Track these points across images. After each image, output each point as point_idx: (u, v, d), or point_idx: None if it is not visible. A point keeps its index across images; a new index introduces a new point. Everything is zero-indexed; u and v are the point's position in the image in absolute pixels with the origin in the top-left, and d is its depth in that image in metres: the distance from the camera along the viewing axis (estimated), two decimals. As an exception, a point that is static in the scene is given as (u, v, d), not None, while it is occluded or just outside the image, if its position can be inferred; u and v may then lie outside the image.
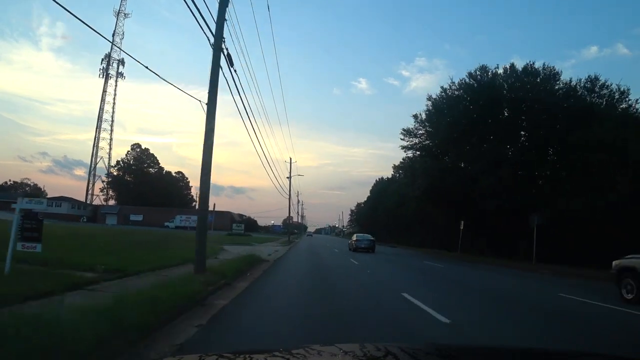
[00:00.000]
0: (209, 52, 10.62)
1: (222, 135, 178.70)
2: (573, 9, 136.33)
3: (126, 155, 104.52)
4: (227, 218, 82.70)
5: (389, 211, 62.39)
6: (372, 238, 33.78)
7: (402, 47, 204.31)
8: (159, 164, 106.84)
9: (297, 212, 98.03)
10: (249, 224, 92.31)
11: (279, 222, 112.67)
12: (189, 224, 76.70)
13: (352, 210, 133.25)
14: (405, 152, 37.00)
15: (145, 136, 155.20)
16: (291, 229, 78.82)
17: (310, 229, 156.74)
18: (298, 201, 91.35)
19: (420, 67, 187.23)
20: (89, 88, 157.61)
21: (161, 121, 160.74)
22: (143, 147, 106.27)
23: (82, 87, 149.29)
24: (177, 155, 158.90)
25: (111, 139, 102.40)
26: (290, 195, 50.63)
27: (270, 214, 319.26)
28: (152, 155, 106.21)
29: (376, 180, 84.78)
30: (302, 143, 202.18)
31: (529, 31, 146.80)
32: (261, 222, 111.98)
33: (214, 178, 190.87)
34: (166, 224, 76.01)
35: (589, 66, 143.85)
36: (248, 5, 39.21)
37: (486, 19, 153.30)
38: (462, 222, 31.73)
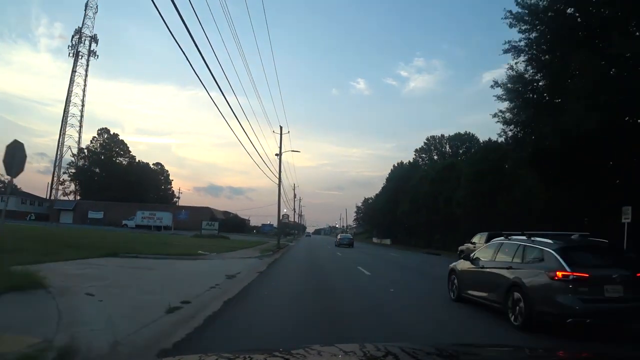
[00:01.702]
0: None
1: (221, 136, 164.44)
2: None
3: (92, 141, 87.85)
4: (205, 215, 66.29)
5: (417, 202, 45.94)
6: (351, 237, 47.58)
7: (401, 48, 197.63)
8: (130, 152, 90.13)
9: (294, 210, 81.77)
10: (235, 223, 75.76)
11: (275, 222, 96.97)
12: (152, 223, 59.83)
13: (358, 208, 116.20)
14: (513, 57, 21.29)
15: (145, 137, 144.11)
16: (286, 229, 62.53)
17: (310, 230, 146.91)
18: (295, 196, 75.06)
19: (419, 67, 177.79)
20: (89, 89, 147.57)
21: (161, 121, 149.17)
22: (112, 132, 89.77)
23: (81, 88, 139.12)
24: (176, 155, 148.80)
25: (81, 126, 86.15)
26: (280, 178, 34.21)
27: (268, 211, 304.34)
28: (122, 142, 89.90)
29: (394, 166, 67.84)
30: (300, 143, 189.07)
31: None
32: (258, 222, 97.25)
33: (212, 178, 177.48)
34: (125, 222, 59.17)
35: None
36: (244, 5, 21.99)
37: (485, 19, 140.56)
38: (629, 210, 15.45)
